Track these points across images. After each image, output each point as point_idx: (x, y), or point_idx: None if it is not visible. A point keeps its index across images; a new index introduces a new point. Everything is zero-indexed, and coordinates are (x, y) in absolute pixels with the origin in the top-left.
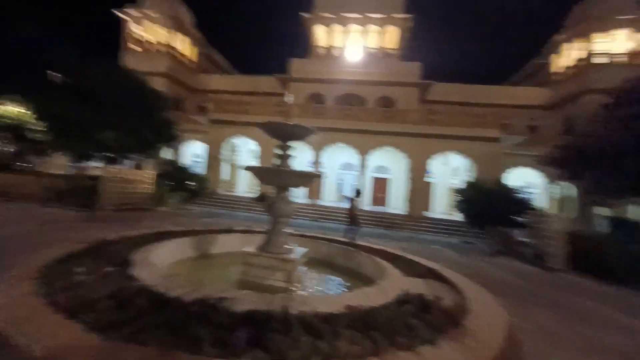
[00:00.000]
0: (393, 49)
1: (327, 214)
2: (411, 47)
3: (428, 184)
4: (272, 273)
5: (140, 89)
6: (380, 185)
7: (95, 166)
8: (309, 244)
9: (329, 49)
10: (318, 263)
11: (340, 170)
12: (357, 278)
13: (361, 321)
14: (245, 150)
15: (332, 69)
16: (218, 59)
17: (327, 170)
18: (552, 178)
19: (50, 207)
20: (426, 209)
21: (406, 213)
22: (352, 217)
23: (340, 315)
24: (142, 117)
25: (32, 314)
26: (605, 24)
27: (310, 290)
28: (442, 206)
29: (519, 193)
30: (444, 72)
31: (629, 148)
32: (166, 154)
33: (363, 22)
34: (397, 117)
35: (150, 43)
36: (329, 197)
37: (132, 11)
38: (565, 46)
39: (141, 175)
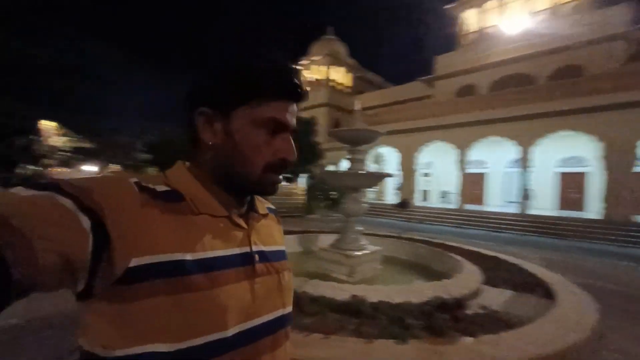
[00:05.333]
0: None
1: (474, 219)
2: None
3: (633, 174)
4: (338, 267)
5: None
6: (573, 181)
7: None
8: (404, 246)
9: (481, 32)
10: (402, 263)
11: (509, 169)
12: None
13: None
14: (390, 158)
15: (485, 53)
16: (371, 77)
17: (490, 169)
18: None
19: None
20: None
21: (602, 217)
22: None
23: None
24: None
25: None
26: None
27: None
28: None
29: None
30: None
31: None
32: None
33: None
34: (582, 88)
35: (313, 80)
36: (492, 201)
37: (303, 61)
38: None
39: (294, 189)
